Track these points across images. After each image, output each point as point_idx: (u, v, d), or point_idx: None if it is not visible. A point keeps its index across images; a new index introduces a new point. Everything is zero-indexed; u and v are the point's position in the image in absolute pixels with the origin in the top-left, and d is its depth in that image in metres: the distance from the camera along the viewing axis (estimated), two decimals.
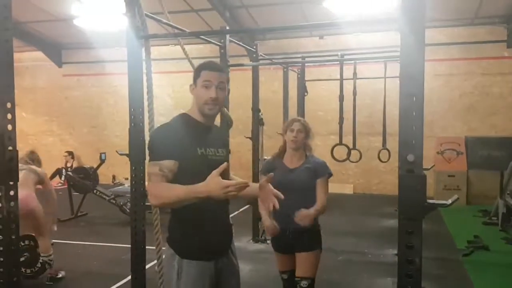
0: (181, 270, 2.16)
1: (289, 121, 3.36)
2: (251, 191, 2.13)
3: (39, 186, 4.94)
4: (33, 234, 4.74)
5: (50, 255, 4.72)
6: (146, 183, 2.05)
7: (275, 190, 2.07)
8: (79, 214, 7.87)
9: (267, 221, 3.24)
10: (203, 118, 2.22)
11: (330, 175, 3.30)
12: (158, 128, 2.21)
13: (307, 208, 3.11)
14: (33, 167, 4.83)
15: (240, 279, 2.40)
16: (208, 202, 1.93)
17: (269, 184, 2.09)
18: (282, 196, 2.06)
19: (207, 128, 2.25)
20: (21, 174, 4.72)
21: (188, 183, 1.94)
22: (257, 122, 5.88)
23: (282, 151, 3.37)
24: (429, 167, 7.17)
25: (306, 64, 7.43)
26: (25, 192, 4.53)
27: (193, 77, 2.24)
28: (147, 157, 2.17)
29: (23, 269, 4.58)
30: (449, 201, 1.81)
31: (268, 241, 3.37)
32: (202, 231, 2.18)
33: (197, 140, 2.17)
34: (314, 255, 3.21)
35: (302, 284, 3.20)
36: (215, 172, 1.86)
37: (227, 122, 4.12)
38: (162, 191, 2.00)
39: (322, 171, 3.25)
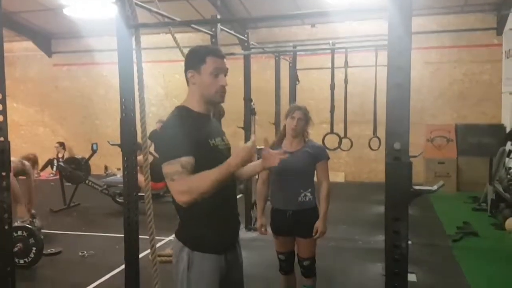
0: (192, 263, 2.07)
1: (291, 107, 3.43)
2: (252, 169, 2.25)
3: (22, 177, 5.20)
4: (27, 226, 4.83)
5: (27, 219, 5.06)
6: (169, 183, 1.93)
7: (277, 152, 2.10)
8: (71, 204, 7.88)
9: (259, 219, 3.41)
10: (204, 108, 2.11)
11: (328, 158, 3.43)
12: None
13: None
14: (22, 161, 5.01)
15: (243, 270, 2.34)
16: (221, 193, 1.97)
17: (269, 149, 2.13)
18: (286, 156, 2.08)
19: (208, 119, 2.17)
20: None
21: None
22: (249, 111, 5.89)
23: (282, 136, 3.45)
24: (418, 154, 7.22)
25: (298, 53, 7.41)
26: None
27: (191, 63, 2.06)
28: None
29: (16, 260, 4.59)
30: (435, 187, 1.85)
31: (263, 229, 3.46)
32: (214, 223, 2.10)
33: (206, 132, 2.08)
34: (314, 239, 3.34)
35: (304, 263, 3.37)
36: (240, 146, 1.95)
37: (219, 112, 4.13)
38: (194, 183, 1.90)
39: (321, 155, 3.39)
